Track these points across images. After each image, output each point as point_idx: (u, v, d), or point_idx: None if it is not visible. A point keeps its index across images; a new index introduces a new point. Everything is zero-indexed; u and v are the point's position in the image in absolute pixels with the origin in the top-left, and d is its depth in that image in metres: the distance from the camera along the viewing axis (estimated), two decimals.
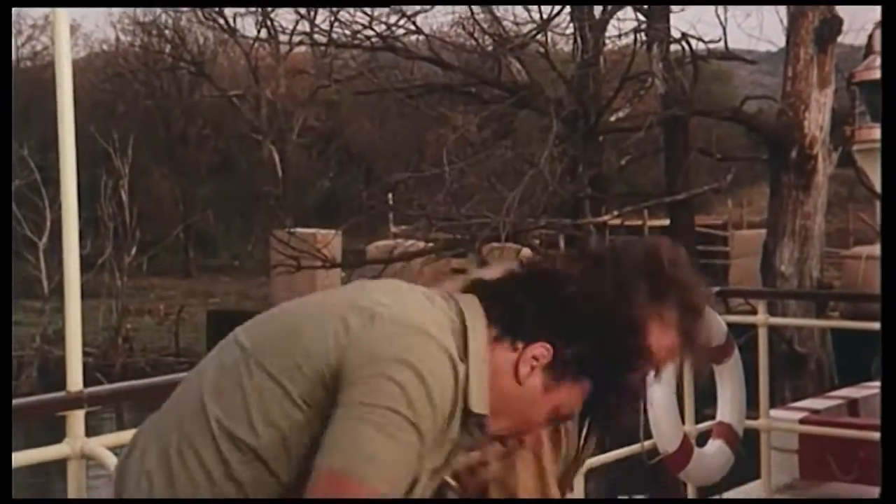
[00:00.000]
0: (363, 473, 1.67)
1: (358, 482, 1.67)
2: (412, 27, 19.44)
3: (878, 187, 15.27)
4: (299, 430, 1.73)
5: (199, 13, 26.81)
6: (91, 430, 2.70)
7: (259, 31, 26.45)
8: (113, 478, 1.90)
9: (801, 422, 5.58)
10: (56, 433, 2.67)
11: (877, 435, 4.61)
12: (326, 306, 1.84)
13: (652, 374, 2.06)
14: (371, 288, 1.87)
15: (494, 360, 1.81)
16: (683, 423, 4.61)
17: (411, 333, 1.74)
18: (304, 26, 21.81)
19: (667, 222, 19.99)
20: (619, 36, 19.89)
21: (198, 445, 1.74)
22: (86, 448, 2.62)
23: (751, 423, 4.89)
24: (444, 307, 1.82)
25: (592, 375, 1.84)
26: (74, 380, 2.66)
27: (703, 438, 4.78)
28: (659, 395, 4.41)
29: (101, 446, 2.64)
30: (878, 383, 7.01)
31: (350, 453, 1.68)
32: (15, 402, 2.73)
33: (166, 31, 29.90)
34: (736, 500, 4.75)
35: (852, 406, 6.30)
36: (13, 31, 31.46)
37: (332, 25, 20.37)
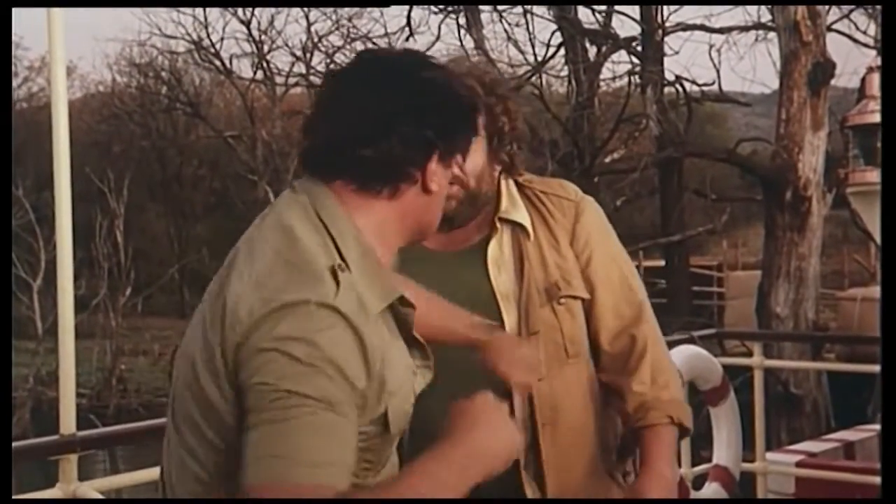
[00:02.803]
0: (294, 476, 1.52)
1: (293, 487, 1.51)
2: None
3: (871, 228, 15.33)
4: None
5: (196, 55, 26.97)
6: (83, 470, 2.68)
7: (255, 73, 26.67)
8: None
9: (798, 465, 5.57)
10: (48, 474, 2.65)
11: (873, 478, 4.59)
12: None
13: None
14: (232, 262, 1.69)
15: (406, 203, 1.72)
16: (680, 465, 4.59)
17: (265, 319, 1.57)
18: (300, 68, 22.01)
19: (662, 263, 20.04)
20: (614, 78, 20.11)
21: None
22: (78, 492, 2.60)
23: (747, 465, 4.87)
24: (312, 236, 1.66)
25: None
26: (68, 422, 2.64)
27: (699, 481, 4.76)
28: None
29: (93, 490, 2.62)
30: (873, 426, 6.99)
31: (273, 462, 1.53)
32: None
33: (162, 73, 30.03)
34: (734, 500, 4.72)
35: (848, 449, 6.29)
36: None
37: (327, 67, 20.55)
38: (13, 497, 2.54)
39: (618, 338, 2.32)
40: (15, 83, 32.08)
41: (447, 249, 2.29)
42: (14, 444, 2.86)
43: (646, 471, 2.25)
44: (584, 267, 2.31)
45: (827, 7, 14.94)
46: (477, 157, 2.21)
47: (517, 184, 2.35)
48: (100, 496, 2.59)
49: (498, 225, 2.29)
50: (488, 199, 2.29)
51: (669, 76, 18.25)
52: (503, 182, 2.32)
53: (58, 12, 2.70)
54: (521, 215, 2.31)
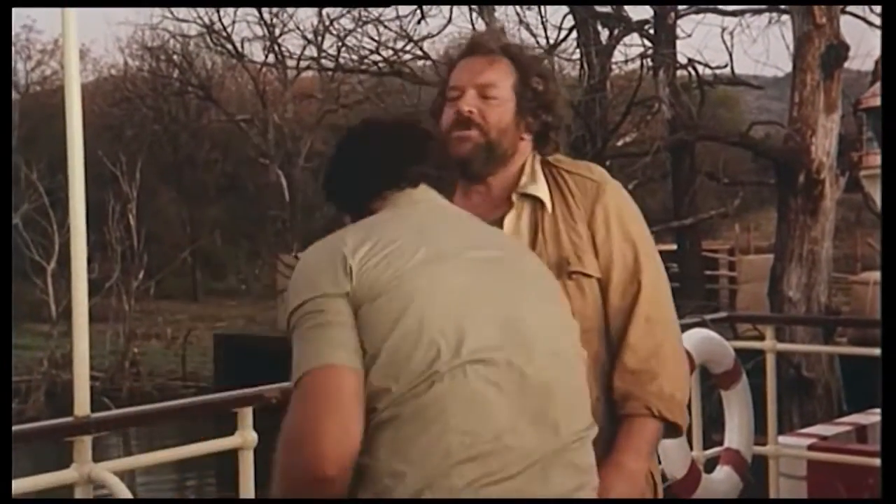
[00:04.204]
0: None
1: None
2: (419, 52, 19.54)
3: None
4: None
5: (208, 38, 26.96)
6: (96, 452, 2.70)
7: (267, 57, 26.66)
8: None
9: (810, 448, 5.56)
10: (63, 457, 2.67)
11: None
12: None
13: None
14: None
15: None
16: (691, 448, 4.59)
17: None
18: (312, 51, 22.03)
19: (674, 247, 19.99)
20: (626, 61, 20.03)
21: None
22: (93, 473, 2.62)
23: (759, 449, 4.87)
24: None
25: None
26: (82, 405, 2.65)
27: (711, 464, 4.76)
28: None
29: (108, 471, 2.63)
30: None
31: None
32: (22, 427, 2.73)
33: (174, 56, 30.02)
34: (735, 500, 4.73)
35: (861, 432, 6.27)
36: (23, 55, 31.67)
37: (339, 51, 20.55)
38: (29, 476, 2.57)
39: (623, 317, 2.32)
40: (28, 66, 32.21)
41: None
42: (29, 425, 2.89)
43: (608, 462, 2.21)
44: (600, 246, 2.32)
45: None
46: (502, 111, 2.30)
47: (546, 162, 2.39)
48: (114, 477, 2.61)
49: (515, 200, 2.33)
50: (507, 157, 2.34)
51: (682, 59, 18.19)
52: (530, 158, 2.37)
53: None
54: (540, 190, 2.34)
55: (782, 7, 16.71)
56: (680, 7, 18.71)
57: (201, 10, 25.86)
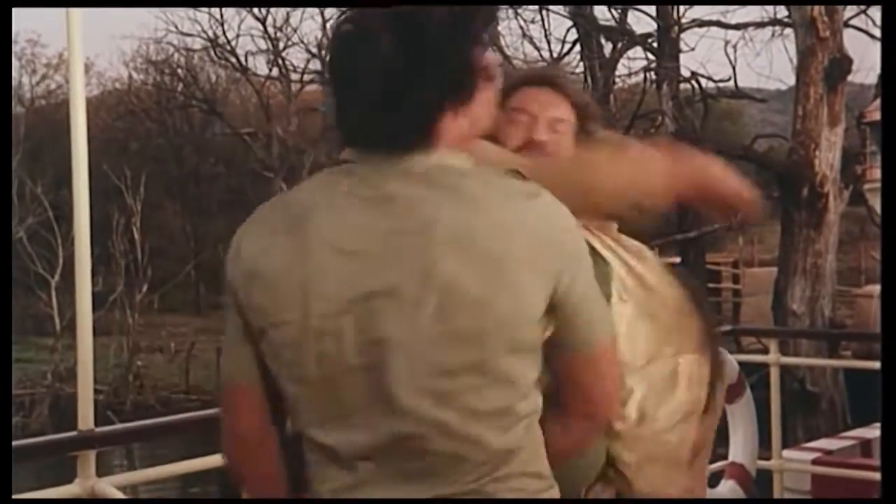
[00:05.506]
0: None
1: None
2: None
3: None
4: None
5: (212, 52, 27.05)
6: (100, 467, 2.69)
7: (271, 70, 26.72)
8: None
9: (814, 462, 5.55)
10: (66, 470, 2.66)
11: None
12: None
13: None
14: None
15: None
16: None
17: None
18: (316, 65, 22.03)
19: (678, 260, 19.98)
20: (629, 75, 20.05)
21: None
22: (97, 488, 2.61)
23: (763, 463, 4.86)
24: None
25: None
26: (86, 418, 2.65)
27: (715, 478, 4.75)
28: None
29: (111, 486, 2.63)
30: None
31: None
32: (26, 441, 2.72)
33: (179, 70, 30.10)
34: (740, 500, 4.71)
35: (865, 447, 6.26)
36: (28, 70, 31.76)
37: None
38: (33, 493, 2.57)
39: None
40: (33, 80, 32.28)
41: None
42: (33, 440, 2.88)
43: None
44: None
45: None
46: (568, 145, 2.37)
47: None
48: (118, 492, 2.61)
49: None
50: None
51: (685, 72, 18.23)
52: None
53: (76, 10, 2.71)
54: None
55: (786, 20, 16.73)
56: (683, 20, 18.75)
57: (205, 24, 26.01)
